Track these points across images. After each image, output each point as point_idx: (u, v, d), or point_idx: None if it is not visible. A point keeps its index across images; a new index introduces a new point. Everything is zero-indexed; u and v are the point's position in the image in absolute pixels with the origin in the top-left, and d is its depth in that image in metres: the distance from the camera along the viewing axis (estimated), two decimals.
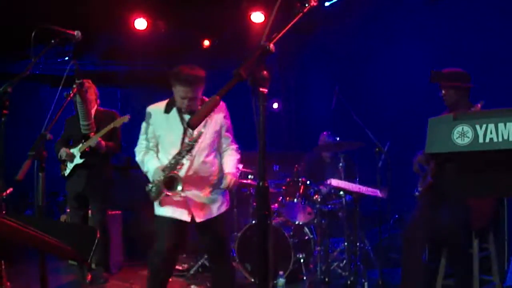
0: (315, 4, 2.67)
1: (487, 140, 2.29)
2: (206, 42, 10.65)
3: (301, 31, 9.71)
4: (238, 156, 5.22)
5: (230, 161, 5.13)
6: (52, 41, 4.36)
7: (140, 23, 9.52)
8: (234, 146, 5.23)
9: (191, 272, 7.40)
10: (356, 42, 9.98)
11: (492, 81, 6.86)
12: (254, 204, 7.69)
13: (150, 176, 5.06)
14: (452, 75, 5.49)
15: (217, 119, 5.04)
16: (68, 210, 7.45)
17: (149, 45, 9.88)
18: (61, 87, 4.63)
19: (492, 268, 5.17)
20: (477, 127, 2.30)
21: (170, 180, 4.79)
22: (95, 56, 11.08)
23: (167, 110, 5.01)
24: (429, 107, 5.97)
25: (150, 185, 5.01)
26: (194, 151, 4.84)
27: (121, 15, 9.31)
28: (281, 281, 6.27)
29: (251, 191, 7.84)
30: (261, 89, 2.35)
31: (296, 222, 7.21)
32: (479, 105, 5.00)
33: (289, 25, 2.56)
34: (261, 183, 2.38)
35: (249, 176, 7.88)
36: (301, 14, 2.64)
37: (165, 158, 4.97)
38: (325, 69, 11.05)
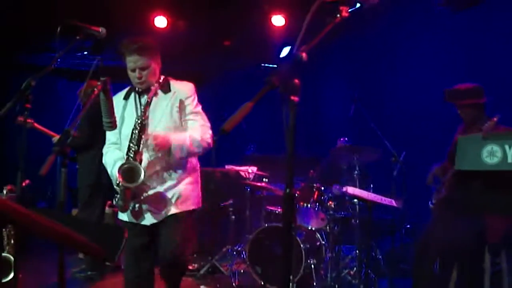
0: (346, 15, 2.69)
1: None
2: (226, 43, 10.67)
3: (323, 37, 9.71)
4: (204, 137, 4.39)
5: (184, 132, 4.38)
6: (77, 37, 4.32)
7: (160, 21, 9.51)
8: (203, 127, 4.47)
9: (201, 272, 7.42)
10: (376, 49, 9.96)
11: None
12: (267, 207, 7.69)
13: (113, 180, 4.42)
14: (466, 92, 5.45)
15: (175, 99, 4.39)
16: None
17: (169, 43, 9.89)
18: (86, 81, 4.59)
19: (503, 283, 5.17)
20: (506, 147, 2.31)
21: (128, 172, 4.15)
22: (113, 52, 11.11)
23: (127, 96, 4.49)
24: (447, 118, 5.98)
25: (117, 196, 4.31)
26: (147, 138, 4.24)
27: (142, 12, 9.32)
28: (291, 286, 6.28)
29: (265, 194, 7.83)
30: (292, 97, 2.36)
31: (309, 228, 7.19)
32: (495, 119, 4.97)
33: (321, 35, 2.57)
34: (288, 191, 2.38)
35: (264, 179, 7.87)
36: (332, 24, 2.65)
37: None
38: (344, 75, 11.05)
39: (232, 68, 12.06)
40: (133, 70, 4.32)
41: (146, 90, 4.38)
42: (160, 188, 4.35)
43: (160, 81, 4.36)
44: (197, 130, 4.40)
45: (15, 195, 5.04)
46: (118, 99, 4.45)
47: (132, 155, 4.19)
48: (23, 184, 3.84)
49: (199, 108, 4.52)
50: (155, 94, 4.33)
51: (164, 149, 4.23)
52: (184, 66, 10.58)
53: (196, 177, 4.59)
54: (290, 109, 2.34)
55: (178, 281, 4.52)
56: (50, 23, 4.30)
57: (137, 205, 4.33)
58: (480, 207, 2.54)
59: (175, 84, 4.46)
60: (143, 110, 4.24)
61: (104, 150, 4.62)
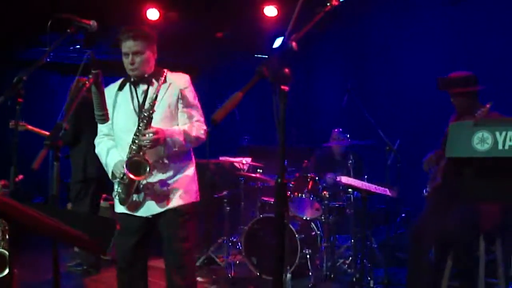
0: (336, 3, 2.68)
1: (506, 147, 2.30)
2: (219, 34, 10.63)
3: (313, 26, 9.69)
4: (198, 134, 4.35)
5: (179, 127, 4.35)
6: (68, 30, 4.24)
7: (152, 13, 9.46)
8: (198, 123, 4.42)
9: (197, 264, 7.41)
10: (369, 39, 9.97)
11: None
12: (262, 198, 7.69)
13: (109, 169, 4.38)
14: (459, 81, 5.44)
15: (172, 90, 4.31)
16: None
17: (161, 36, 9.84)
18: (78, 76, 4.50)
19: (498, 272, 5.17)
20: (497, 133, 2.31)
21: (134, 165, 4.08)
22: (106, 45, 11.07)
23: (121, 87, 4.40)
24: (440, 106, 5.99)
25: (117, 188, 4.31)
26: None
27: (134, 4, 9.28)
28: (287, 276, 6.28)
29: (259, 185, 7.82)
30: (282, 87, 2.35)
31: (304, 218, 7.21)
32: (488, 106, 4.95)
33: (311, 24, 2.57)
34: (279, 180, 2.38)
35: (258, 170, 7.87)
36: (322, 13, 2.64)
37: (121, 149, 4.34)
38: (336, 65, 11.05)
39: (225, 60, 12.03)
40: (127, 56, 4.25)
41: (142, 80, 4.32)
42: (160, 177, 4.28)
43: (165, 74, 4.25)
44: (193, 126, 4.36)
45: (9, 190, 5.01)
46: (111, 90, 4.39)
47: (136, 147, 4.14)
48: (17, 179, 3.81)
49: (196, 100, 4.46)
50: (151, 84, 4.29)
51: (158, 145, 4.17)
52: (177, 58, 10.56)
53: (193, 169, 4.53)
54: (280, 98, 2.33)
55: (192, 269, 4.58)
56: (42, 18, 4.24)
57: (138, 197, 4.27)
58: (473, 195, 2.55)
59: (171, 76, 4.36)
60: (151, 103, 4.15)
61: (96, 141, 4.57)
